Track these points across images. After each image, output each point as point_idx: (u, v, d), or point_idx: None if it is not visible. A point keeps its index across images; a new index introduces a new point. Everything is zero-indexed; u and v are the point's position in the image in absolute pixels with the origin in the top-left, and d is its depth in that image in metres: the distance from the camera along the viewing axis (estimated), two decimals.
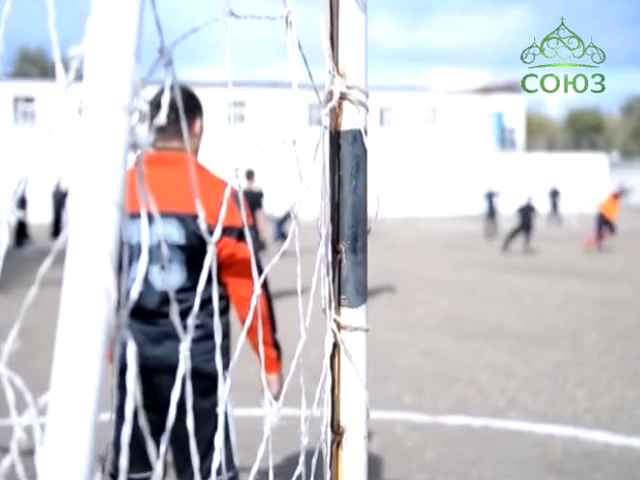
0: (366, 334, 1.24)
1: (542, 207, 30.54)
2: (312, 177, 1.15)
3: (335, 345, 1.22)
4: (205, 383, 2.57)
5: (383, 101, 45.77)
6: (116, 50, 0.65)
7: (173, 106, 2.73)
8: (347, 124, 1.20)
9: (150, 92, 0.73)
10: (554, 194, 34.01)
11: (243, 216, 2.68)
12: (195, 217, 2.60)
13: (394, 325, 9.61)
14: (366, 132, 1.21)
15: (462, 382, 6.86)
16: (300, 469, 1.14)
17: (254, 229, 2.73)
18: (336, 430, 1.23)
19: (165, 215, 2.65)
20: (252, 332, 2.65)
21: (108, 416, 0.65)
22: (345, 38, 1.20)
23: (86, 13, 0.67)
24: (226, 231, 2.61)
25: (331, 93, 1.18)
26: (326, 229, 1.20)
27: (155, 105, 2.83)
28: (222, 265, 2.70)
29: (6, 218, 0.74)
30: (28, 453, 0.74)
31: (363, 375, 1.22)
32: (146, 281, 2.68)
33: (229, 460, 2.76)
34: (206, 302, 2.62)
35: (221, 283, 2.74)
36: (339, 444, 1.22)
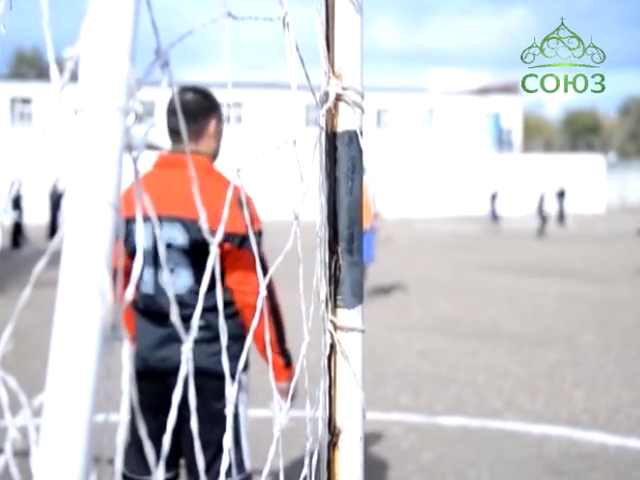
0: (362, 335, 1.24)
1: (550, 207, 31.08)
2: (310, 178, 1.15)
3: (332, 346, 1.22)
4: (216, 384, 2.57)
5: (380, 102, 45.79)
6: (111, 51, 0.65)
7: (186, 109, 2.72)
8: (343, 125, 1.20)
9: (144, 93, 0.73)
10: (561, 195, 34.23)
11: (246, 222, 2.70)
12: (197, 222, 2.58)
13: (391, 326, 9.61)
14: (362, 133, 1.21)
15: (459, 383, 6.86)
16: (306, 471, 1.14)
17: (260, 234, 2.71)
18: (332, 431, 1.23)
19: (170, 219, 2.66)
20: (258, 339, 2.63)
21: (103, 417, 0.65)
22: (341, 39, 1.20)
23: (81, 14, 0.67)
24: (228, 238, 2.61)
25: (327, 94, 1.18)
26: (323, 230, 1.20)
27: (170, 108, 2.86)
28: (225, 271, 2.69)
29: (1, 219, 0.74)
30: (23, 454, 0.74)
31: (359, 376, 1.22)
32: (157, 285, 2.70)
33: (239, 462, 2.75)
34: (216, 305, 2.58)
35: (227, 289, 2.72)
36: (335, 445, 1.22)
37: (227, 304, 2.71)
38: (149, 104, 35.03)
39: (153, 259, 2.68)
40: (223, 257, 2.64)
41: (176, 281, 2.69)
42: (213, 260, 0.86)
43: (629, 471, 4.79)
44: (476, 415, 5.89)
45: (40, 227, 25.41)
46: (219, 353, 2.62)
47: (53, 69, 0.68)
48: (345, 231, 1.21)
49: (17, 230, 22.07)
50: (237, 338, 2.67)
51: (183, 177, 2.61)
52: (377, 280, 13.18)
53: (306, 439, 1.17)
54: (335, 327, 1.22)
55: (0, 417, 0.83)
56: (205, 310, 2.34)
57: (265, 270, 2.72)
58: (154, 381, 2.68)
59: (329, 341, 1.21)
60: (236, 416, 2.72)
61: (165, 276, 2.68)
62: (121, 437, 0.64)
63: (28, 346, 7.40)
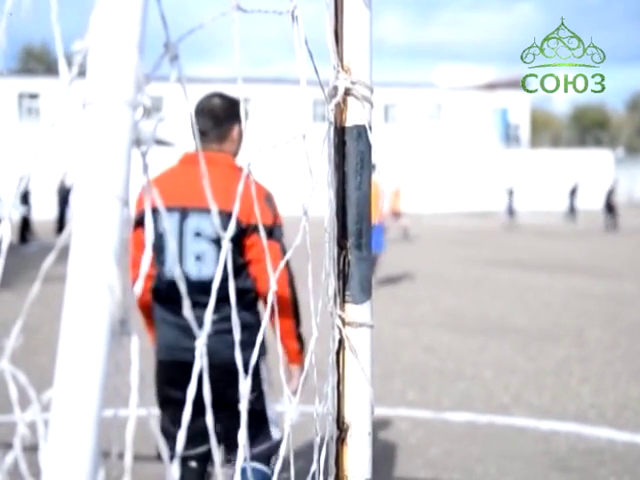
0: (371, 330, 1.23)
1: (560, 204, 31.35)
2: (318, 173, 1.15)
3: (340, 342, 1.21)
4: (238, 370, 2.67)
5: (388, 97, 45.71)
6: (120, 45, 0.65)
7: (213, 114, 2.98)
8: (352, 120, 1.20)
9: (153, 88, 0.73)
10: (573, 192, 34.46)
11: (273, 215, 2.91)
12: (228, 214, 2.68)
13: (398, 321, 9.60)
14: (370, 128, 1.20)
15: (466, 378, 6.85)
16: (315, 466, 1.13)
17: (281, 228, 2.93)
18: (341, 426, 1.22)
19: (199, 210, 2.84)
20: (278, 325, 2.88)
21: (112, 412, 0.65)
22: (350, 34, 1.19)
23: (90, 8, 0.67)
24: (257, 228, 2.77)
25: (336, 88, 1.18)
26: (332, 225, 1.20)
27: (198, 111, 2.97)
28: (252, 260, 2.87)
29: (9, 214, 0.74)
30: (32, 449, 0.74)
31: (368, 371, 1.22)
32: (183, 272, 2.84)
33: (266, 433, 2.95)
34: (235, 294, 2.71)
35: (249, 277, 2.90)
36: (344, 440, 1.22)
37: (247, 291, 2.90)
38: (157, 99, 35.05)
39: (179, 247, 2.86)
40: (250, 247, 2.84)
41: (202, 268, 2.84)
42: (225, 252, 0.86)
43: (637, 467, 4.78)
44: (483, 411, 5.88)
45: (48, 222, 25.45)
46: (240, 341, 2.73)
47: (62, 63, 0.68)
48: (354, 226, 1.20)
49: (25, 225, 22.12)
50: (254, 326, 2.79)
51: (210, 172, 2.67)
52: (384, 275, 13.18)
53: (315, 434, 1.16)
54: (344, 322, 1.21)
55: (9, 412, 0.83)
56: (223, 300, 2.38)
57: (287, 262, 2.89)
58: (180, 370, 2.81)
59: (338, 337, 1.21)
60: (260, 394, 2.92)
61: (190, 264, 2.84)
62: (130, 432, 0.64)
63: (37, 341, 7.42)
